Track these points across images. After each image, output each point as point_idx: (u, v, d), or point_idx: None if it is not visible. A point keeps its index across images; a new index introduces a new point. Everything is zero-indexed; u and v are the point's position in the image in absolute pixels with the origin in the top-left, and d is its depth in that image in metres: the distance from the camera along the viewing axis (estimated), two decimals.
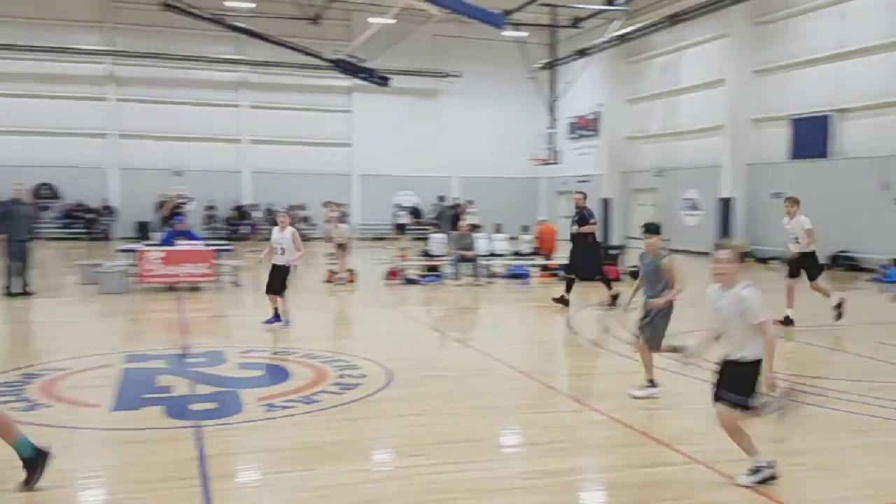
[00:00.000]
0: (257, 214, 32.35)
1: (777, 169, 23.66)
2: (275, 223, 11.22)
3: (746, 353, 5.05)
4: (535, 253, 20.04)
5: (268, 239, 11.50)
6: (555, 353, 10.55)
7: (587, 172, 33.30)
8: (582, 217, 13.95)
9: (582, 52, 29.97)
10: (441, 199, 24.20)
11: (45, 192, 30.48)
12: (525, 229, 21.59)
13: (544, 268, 18.95)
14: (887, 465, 5.54)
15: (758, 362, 5.03)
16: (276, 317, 10.99)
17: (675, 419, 6.87)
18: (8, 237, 13.78)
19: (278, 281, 10.89)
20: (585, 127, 33.49)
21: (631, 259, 19.56)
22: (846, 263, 20.56)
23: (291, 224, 11.29)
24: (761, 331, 4.99)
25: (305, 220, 32.51)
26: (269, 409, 6.72)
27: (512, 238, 21.68)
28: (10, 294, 13.90)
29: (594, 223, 14.22)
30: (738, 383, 5.07)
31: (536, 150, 30.56)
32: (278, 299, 10.98)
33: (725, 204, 24.95)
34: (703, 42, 26.50)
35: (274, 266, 11.02)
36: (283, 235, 10.94)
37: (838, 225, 20.94)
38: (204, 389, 7.44)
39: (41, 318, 12.38)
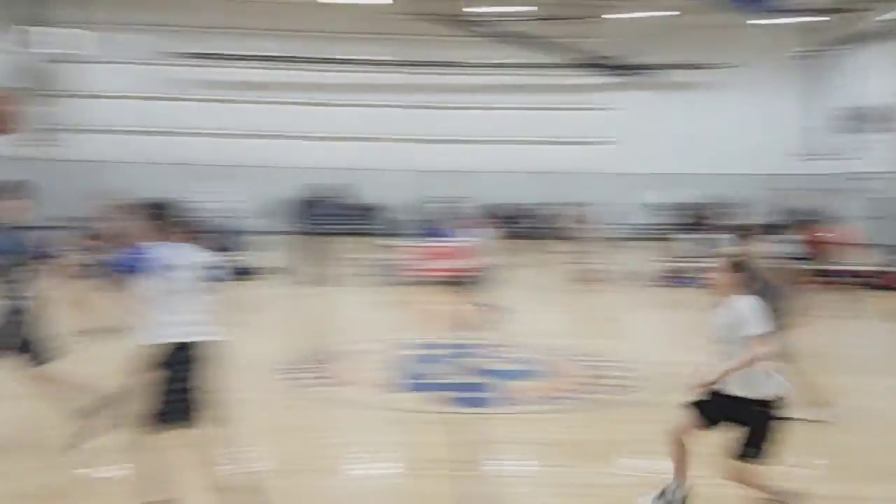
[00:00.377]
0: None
1: None
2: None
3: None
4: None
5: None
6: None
7: (872, 169, 30.18)
8: None
9: (861, 38, 27.18)
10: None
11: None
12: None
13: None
14: None
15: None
16: None
17: None
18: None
19: None
20: (870, 118, 30.27)
21: None
22: None
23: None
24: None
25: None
26: (538, 403, 7.32)
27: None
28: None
29: None
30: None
31: (806, 144, 28.23)
32: None
33: None
34: None
35: None
36: None
37: None
38: (479, 379, 8.21)
39: (333, 306, 14.09)
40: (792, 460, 5.08)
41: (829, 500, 5.20)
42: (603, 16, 32.82)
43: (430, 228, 18.23)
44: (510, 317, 12.73)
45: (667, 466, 5.56)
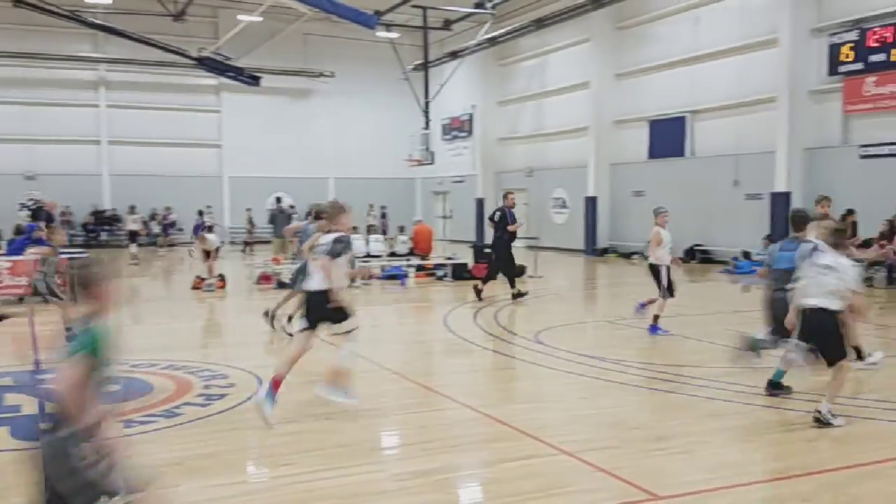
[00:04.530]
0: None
1: (638, 168, 24.82)
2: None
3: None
4: (412, 253, 20.10)
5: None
6: (431, 353, 10.59)
7: (461, 173, 33.76)
8: (509, 217, 14.55)
9: (454, 55, 30.34)
10: (278, 200, 23.81)
11: None
12: (402, 230, 21.64)
13: (421, 268, 19.03)
14: (737, 447, 5.89)
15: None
16: None
17: (541, 412, 7.03)
18: None
19: None
20: (459, 128, 33.94)
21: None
22: (701, 256, 21.83)
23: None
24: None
25: (173, 224, 31.24)
26: (127, 426, 6.36)
27: (389, 238, 21.65)
28: None
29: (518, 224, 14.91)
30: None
31: (412, 150, 30.67)
32: None
33: (592, 202, 25.94)
34: (568, 46, 27.42)
35: None
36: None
37: (693, 220, 22.19)
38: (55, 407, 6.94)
39: None
40: None
41: None
42: (217, 17, 31.86)
43: (17, 239, 15.72)
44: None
45: (286, 472, 5.22)
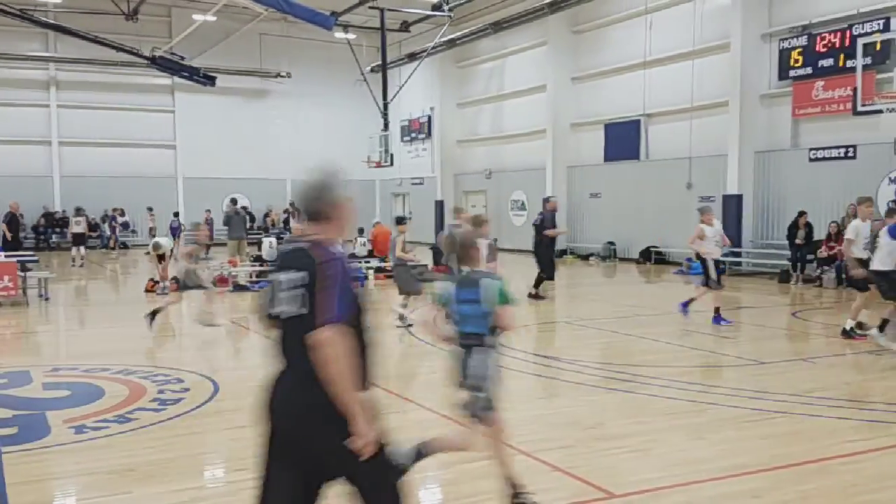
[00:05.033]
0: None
1: (594, 170, 25.10)
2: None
3: None
4: (371, 255, 20.02)
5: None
6: (390, 356, 10.55)
7: (421, 175, 33.76)
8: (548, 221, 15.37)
9: (412, 56, 30.35)
10: (233, 201, 23.62)
11: None
12: (361, 232, 21.53)
13: (380, 269, 18.97)
14: (691, 445, 5.99)
15: None
16: None
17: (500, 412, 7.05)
18: None
19: None
20: (418, 130, 33.94)
21: None
22: (656, 257, 22.15)
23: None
24: None
25: (125, 226, 30.69)
26: (78, 432, 6.23)
27: (347, 241, 21.53)
28: None
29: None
30: None
31: (370, 152, 30.56)
32: None
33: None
34: (526, 49, 27.61)
35: None
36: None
37: (648, 222, 22.55)
38: (3, 413, 6.79)
39: None
40: None
41: None
42: (171, 17, 31.36)
43: None
44: (61, 337, 11.08)
45: (242, 476, 5.16)
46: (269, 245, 18.87)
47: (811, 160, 18.43)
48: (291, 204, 31.74)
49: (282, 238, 19.23)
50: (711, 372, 8.86)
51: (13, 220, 24.26)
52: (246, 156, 33.55)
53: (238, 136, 33.54)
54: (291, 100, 34.51)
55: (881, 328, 9.61)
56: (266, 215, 31.42)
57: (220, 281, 16.88)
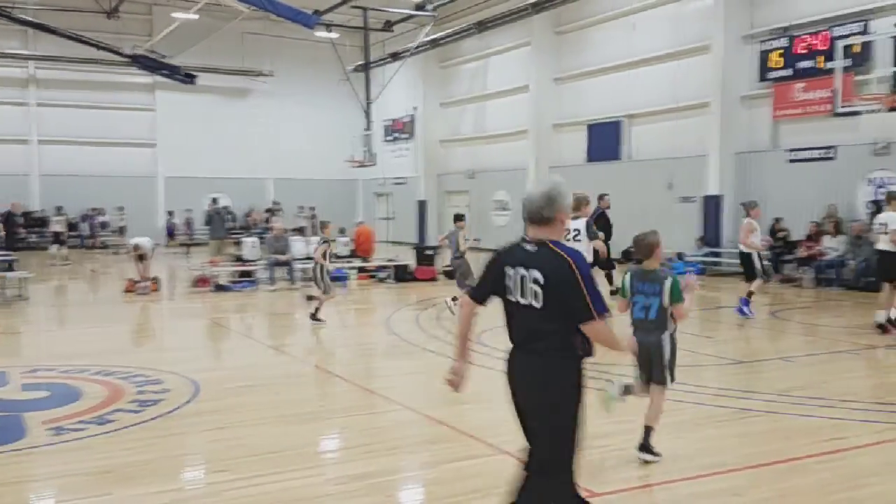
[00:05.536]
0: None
1: (576, 171, 25.13)
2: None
3: None
4: (353, 255, 19.99)
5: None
6: (373, 356, 10.54)
7: (403, 174, 33.73)
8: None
9: (395, 56, 30.31)
10: (214, 201, 23.44)
11: None
12: (342, 231, 21.49)
13: (362, 269, 18.94)
14: (672, 444, 6.01)
15: None
16: None
17: (481, 413, 7.08)
18: None
19: None
20: (401, 129, 33.90)
21: (445, 259, 20.05)
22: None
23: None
24: None
25: (104, 225, 30.44)
26: (57, 433, 6.16)
27: (329, 241, 21.44)
28: None
29: None
30: None
31: (353, 151, 30.50)
32: None
33: None
34: (509, 49, 27.65)
35: None
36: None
37: (630, 222, 22.54)
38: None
39: None
40: None
41: None
42: (152, 15, 31.12)
43: None
44: (40, 338, 10.97)
45: (222, 478, 5.13)
46: (251, 245, 18.79)
47: (791, 161, 18.59)
48: (274, 203, 31.62)
49: (263, 237, 19.12)
50: (691, 371, 8.91)
51: (9, 220, 23.95)
52: (227, 155, 33.36)
53: (220, 135, 33.33)
54: (274, 99, 34.36)
55: None
56: (247, 215, 31.26)
57: (201, 281, 16.77)
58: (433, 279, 18.48)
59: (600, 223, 14.89)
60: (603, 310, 3.49)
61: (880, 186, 16.70)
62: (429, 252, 19.55)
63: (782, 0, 18.85)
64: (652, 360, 5.56)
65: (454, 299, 12.22)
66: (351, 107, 31.82)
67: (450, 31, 27.67)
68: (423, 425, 6.57)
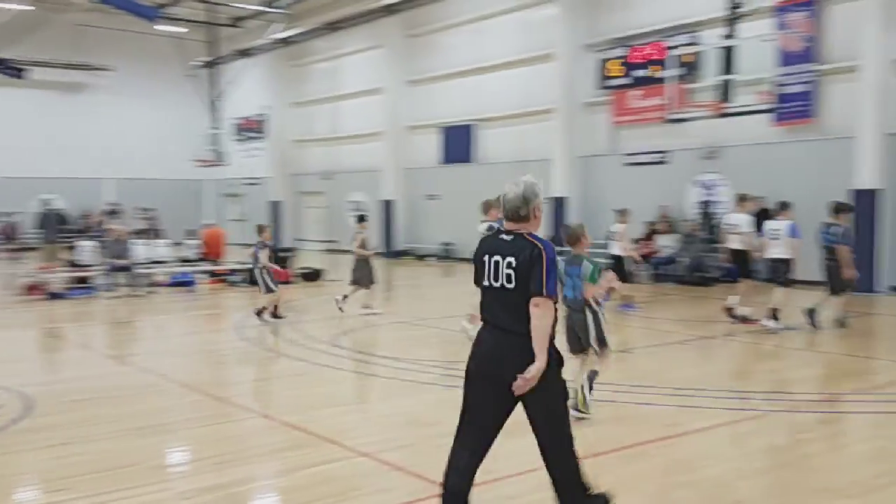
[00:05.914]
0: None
1: (430, 172, 25.54)
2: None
3: None
4: (202, 258, 19.25)
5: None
6: (224, 363, 10.21)
7: (256, 175, 32.87)
8: None
9: (244, 53, 29.48)
10: (46, 202, 22.07)
11: None
12: (191, 234, 20.64)
13: (212, 273, 18.28)
14: (524, 436, 6.22)
15: None
16: None
17: (339, 416, 7.04)
18: None
19: None
20: (252, 129, 33.01)
21: (302, 261, 19.75)
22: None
23: None
24: None
25: None
26: None
27: (176, 244, 20.58)
28: None
29: None
30: None
31: (200, 150, 29.37)
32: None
33: (388, 206, 26.31)
34: (362, 51, 27.60)
35: None
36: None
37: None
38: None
39: None
40: None
41: None
42: None
43: None
44: None
45: (60, 498, 4.79)
46: (87, 249, 17.66)
47: (628, 165, 19.74)
48: (112, 204, 29.85)
49: (102, 239, 17.99)
50: None
51: None
52: (62, 154, 31.14)
53: (54, 133, 31.07)
54: (114, 95, 32.44)
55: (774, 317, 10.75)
56: (84, 216, 29.28)
57: (32, 289, 15.58)
58: (288, 281, 18.12)
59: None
60: (552, 291, 3.83)
61: (708, 188, 18.10)
62: (284, 254, 19.13)
63: (620, 11, 19.97)
64: (580, 334, 6.64)
65: (345, 297, 12.75)
66: (197, 104, 30.64)
67: (301, 30, 27.25)
68: (278, 432, 6.44)
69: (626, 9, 19.78)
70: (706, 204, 17.92)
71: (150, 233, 23.92)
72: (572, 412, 5.93)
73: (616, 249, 13.37)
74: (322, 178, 29.76)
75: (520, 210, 3.99)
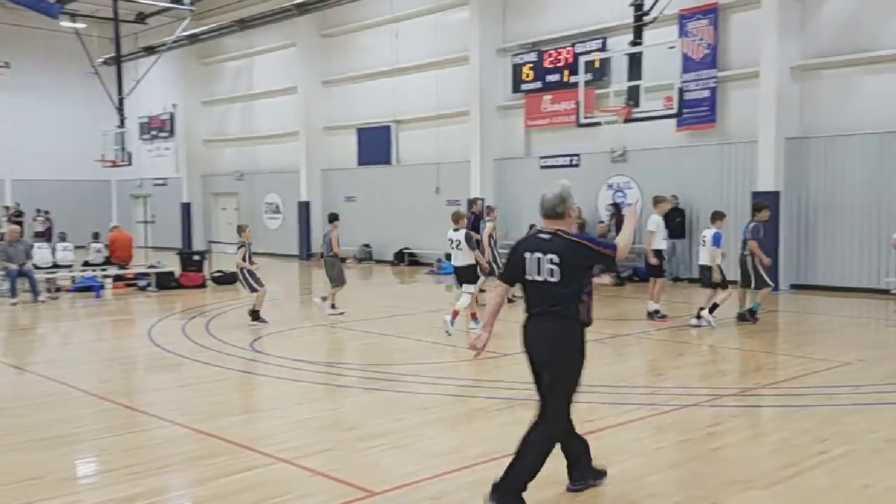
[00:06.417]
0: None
1: (348, 174, 25.35)
2: None
3: None
4: (108, 262, 18.54)
5: None
6: (134, 370, 9.84)
7: (164, 175, 31.89)
8: None
9: (150, 50, 28.52)
10: None
11: None
12: (96, 236, 19.84)
13: (119, 278, 17.63)
14: (446, 437, 6.27)
15: None
16: None
17: (257, 422, 6.91)
18: None
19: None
20: (159, 127, 31.98)
21: (216, 265, 19.24)
22: (409, 259, 22.89)
23: None
24: None
25: None
26: None
27: (79, 247, 19.76)
28: None
29: None
30: None
31: (105, 150, 28.18)
32: None
33: (305, 207, 25.95)
34: (275, 49, 27.15)
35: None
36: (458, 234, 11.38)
37: (401, 225, 23.24)
38: None
39: None
40: None
41: None
42: None
43: None
44: None
45: None
46: None
47: (542, 167, 20.09)
48: (9, 207, 28.38)
49: None
50: (461, 366, 9.35)
51: None
52: None
53: None
54: (11, 92, 30.88)
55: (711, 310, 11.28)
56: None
57: None
58: (201, 285, 17.68)
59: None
60: (611, 247, 4.66)
61: (618, 191, 18.62)
62: (196, 257, 18.65)
63: (532, 17, 20.31)
64: None
65: (324, 298, 13.05)
66: (101, 102, 29.35)
67: (210, 26, 26.58)
68: (194, 440, 6.26)
69: (538, 14, 20.15)
70: (617, 206, 18.43)
71: (47, 234, 22.90)
72: None
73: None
74: (235, 178, 29.11)
75: (556, 208, 4.66)
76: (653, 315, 11.91)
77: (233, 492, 5.04)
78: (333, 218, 13.86)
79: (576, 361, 4.62)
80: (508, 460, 4.58)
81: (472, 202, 16.70)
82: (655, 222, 11.94)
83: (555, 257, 4.48)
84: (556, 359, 4.58)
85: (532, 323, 4.65)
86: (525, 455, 4.62)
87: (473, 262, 11.57)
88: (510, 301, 14.03)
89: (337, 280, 13.19)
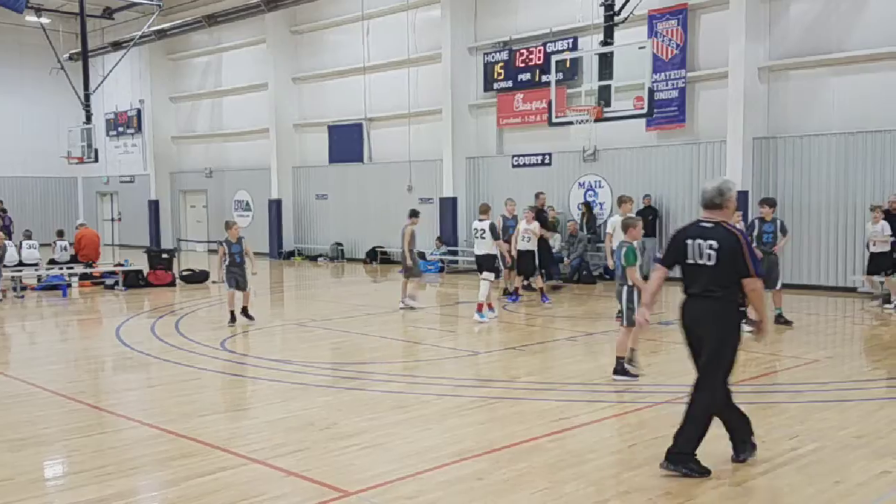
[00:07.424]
0: None
1: (319, 171, 25.20)
2: None
3: None
4: (75, 260, 18.23)
5: None
6: (102, 370, 9.69)
7: (131, 172, 31.44)
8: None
9: (117, 45, 28.09)
10: None
11: None
12: (61, 234, 19.48)
13: (86, 276, 17.35)
14: (421, 436, 6.26)
15: None
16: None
17: (229, 422, 6.84)
18: None
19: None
20: (126, 124, 31.50)
21: (184, 263, 19.02)
22: (381, 257, 22.81)
23: None
24: None
25: None
26: None
27: (45, 245, 19.39)
28: None
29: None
30: None
31: (71, 147, 27.69)
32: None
33: (276, 205, 25.74)
34: (244, 45, 26.87)
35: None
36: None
37: (373, 223, 23.16)
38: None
39: None
40: None
41: None
42: None
43: None
44: None
45: None
46: None
47: (514, 166, 20.15)
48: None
49: None
50: (435, 365, 9.34)
51: None
52: None
53: None
54: None
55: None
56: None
57: None
58: (170, 284, 17.46)
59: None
60: (759, 271, 4.97)
61: (589, 189, 18.74)
62: (165, 255, 18.40)
63: (503, 15, 20.34)
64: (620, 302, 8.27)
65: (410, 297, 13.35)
66: (67, 98, 28.85)
67: (178, 22, 26.23)
68: (164, 441, 6.17)
69: (509, 13, 20.18)
70: (588, 205, 18.55)
71: (3, 231, 22.38)
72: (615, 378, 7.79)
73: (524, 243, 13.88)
74: (204, 175, 28.79)
75: (714, 199, 5.10)
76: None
77: (205, 493, 4.98)
78: (412, 214, 13.96)
79: (733, 338, 5.06)
80: (484, 458, 4.59)
81: (537, 195, 16.75)
82: (613, 224, 11.93)
83: (714, 243, 4.98)
84: (714, 335, 5.04)
85: (690, 303, 5.18)
86: (690, 422, 5.11)
87: (495, 252, 12.25)
88: (518, 295, 14.20)
89: (412, 273, 13.34)
